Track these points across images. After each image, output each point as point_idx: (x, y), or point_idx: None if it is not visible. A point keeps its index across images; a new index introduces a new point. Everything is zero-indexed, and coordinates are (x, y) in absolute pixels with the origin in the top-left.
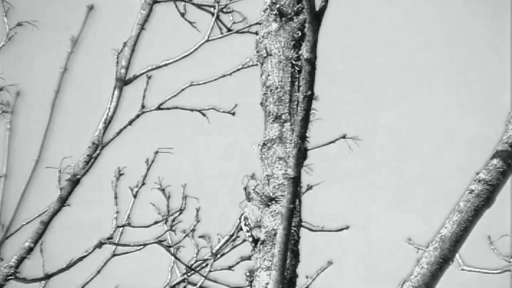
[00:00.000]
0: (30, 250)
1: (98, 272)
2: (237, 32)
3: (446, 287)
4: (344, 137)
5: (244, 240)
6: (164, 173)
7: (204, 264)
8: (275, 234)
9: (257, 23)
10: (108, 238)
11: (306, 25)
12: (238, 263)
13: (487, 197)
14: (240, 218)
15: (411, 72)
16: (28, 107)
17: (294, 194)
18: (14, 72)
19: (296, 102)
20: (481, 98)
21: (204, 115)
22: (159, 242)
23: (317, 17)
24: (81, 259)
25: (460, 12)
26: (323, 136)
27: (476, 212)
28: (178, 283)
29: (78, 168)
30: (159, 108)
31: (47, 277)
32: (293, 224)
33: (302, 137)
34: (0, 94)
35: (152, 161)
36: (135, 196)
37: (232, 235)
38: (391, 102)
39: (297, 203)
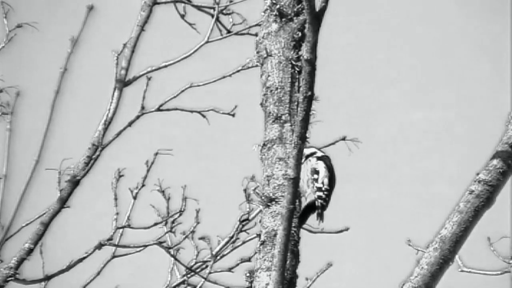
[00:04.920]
0: (30, 251)
1: (98, 273)
2: (237, 33)
3: None
4: (344, 139)
5: (244, 242)
6: (164, 174)
7: (204, 266)
8: (275, 235)
9: (256, 25)
10: (108, 240)
11: (306, 25)
12: (238, 264)
13: (487, 197)
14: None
15: (411, 73)
16: (28, 108)
17: (294, 195)
18: (14, 73)
19: (296, 103)
20: (481, 98)
21: (204, 116)
22: (159, 244)
23: (317, 18)
24: (81, 260)
25: (459, 12)
26: (323, 138)
27: (476, 213)
28: (178, 285)
29: (78, 169)
30: (159, 109)
31: (47, 278)
32: (293, 224)
33: (302, 137)
34: (0, 95)
35: (152, 163)
36: (135, 198)
37: (232, 237)
38: (391, 104)
39: (297, 203)
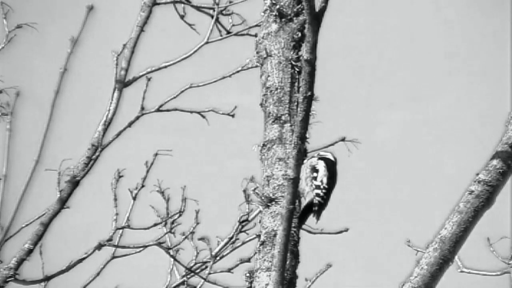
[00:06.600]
0: (29, 251)
1: (98, 274)
2: (236, 34)
3: None
4: (343, 139)
5: (244, 242)
6: (164, 175)
7: (203, 266)
8: (275, 235)
9: (256, 25)
10: (108, 240)
11: (306, 26)
12: (237, 265)
13: (486, 198)
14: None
15: (410, 73)
16: (28, 108)
17: (294, 195)
18: (14, 74)
19: (296, 103)
20: (481, 98)
21: (203, 117)
22: (159, 244)
23: (316, 18)
24: (80, 261)
25: (459, 13)
26: (323, 138)
27: (476, 213)
28: (178, 285)
29: (78, 170)
30: (158, 110)
31: (47, 279)
32: (292, 225)
33: (302, 138)
34: (0, 96)
35: (152, 163)
36: (134, 198)
37: (231, 237)
38: (391, 105)
39: (297, 204)
